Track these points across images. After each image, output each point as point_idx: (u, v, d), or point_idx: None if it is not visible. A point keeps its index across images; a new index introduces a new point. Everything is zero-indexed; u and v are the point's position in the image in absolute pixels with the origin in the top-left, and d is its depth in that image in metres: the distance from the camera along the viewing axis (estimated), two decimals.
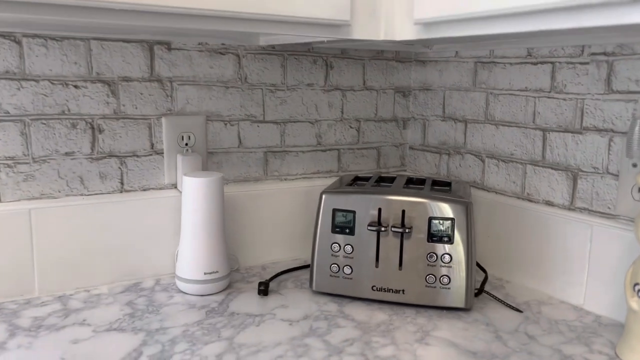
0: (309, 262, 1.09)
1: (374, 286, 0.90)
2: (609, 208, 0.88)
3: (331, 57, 1.14)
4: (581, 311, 0.90)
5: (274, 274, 1.03)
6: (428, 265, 0.87)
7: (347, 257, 0.91)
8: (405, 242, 0.88)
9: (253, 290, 0.96)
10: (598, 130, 0.89)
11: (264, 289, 0.93)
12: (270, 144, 1.10)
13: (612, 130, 0.87)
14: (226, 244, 0.96)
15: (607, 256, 0.87)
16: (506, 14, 0.66)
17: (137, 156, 0.97)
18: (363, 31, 0.81)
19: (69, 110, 0.90)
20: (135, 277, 0.98)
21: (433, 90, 1.21)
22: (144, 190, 0.98)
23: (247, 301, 0.91)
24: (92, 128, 0.93)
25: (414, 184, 1.01)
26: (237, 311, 0.87)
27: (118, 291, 0.93)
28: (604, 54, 0.86)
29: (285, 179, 1.13)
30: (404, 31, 0.81)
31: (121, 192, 0.96)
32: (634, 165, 0.82)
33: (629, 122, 0.84)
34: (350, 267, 0.91)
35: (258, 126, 1.08)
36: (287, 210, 1.12)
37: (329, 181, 1.17)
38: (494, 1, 0.65)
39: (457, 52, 1.14)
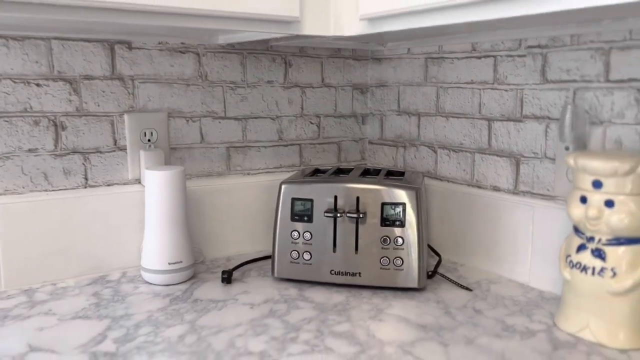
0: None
1: (332, 270, 0.94)
2: (548, 190, 0.94)
3: (290, 56, 1.19)
4: (526, 287, 0.96)
5: (237, 264, 1.07)
6: (382, 248, 0.92)
7: (306, 243, 0.95)
8: (360, 227, 0.93)
9: (217, 279, 0.99)
10: (536, 117, 0.95)
11: (227, 277, 0.97)
12: (233, 140, 1.14)
13: (548, 117, 0.93)
14: (189, 235, 0.99)
15: (549, 235, 0.93)
16: (440, 7, 0.71)
17: (101, 152, 1.00)
18: (313, 27, 0.86)
19: (31, 107, 0.93)
20: (102, 270, 1.00)
21: (388, 86, 1.26)
22: (108, 185, 1.01)
23: (211, 289, 0.94)
24: (55, 125, 0.95)
25: (370, 174, 1.05)
26: (200, 298, 0.90)
27: (84, 284, 0.96)
28: (539, 46, 0.93)
29: (248, 174, 1.17)
30: (351, 27, 0.86)
31: (85, 187, 0.99)
32: (567, 148, 0.88)
33: (562, 108, 0.90)
34: (310, 253, 0.95)
35: (220, 122, 1.12)
36: (250, 203, 1.15)
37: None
38: None
39: (409, 49, 1.20)
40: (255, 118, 1.17)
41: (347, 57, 1.27)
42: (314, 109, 1.24)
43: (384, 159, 1.30)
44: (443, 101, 1.13)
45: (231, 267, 1.06)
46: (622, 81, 0.82)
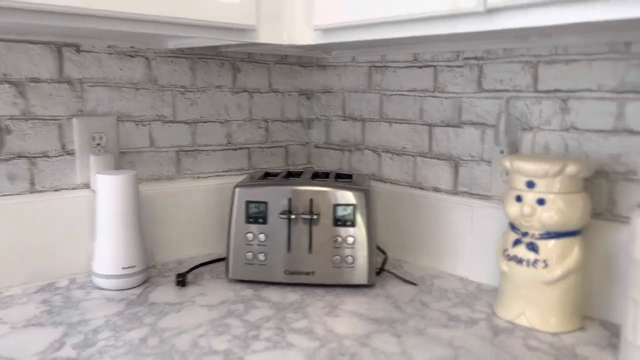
0: (224, 255, 1.15)
1: (287, 270, 0.98)
2: (484, 190, 1.02)
3: (238, 61, 1.21)
4: (466, 281, 1.04)
5: (190, 267, 1.08)
6: (334, 247, 0.97)
7: (261, 244, 0.98)
8: (313, 228, 0.97)
9: (170, 283, 1.00)
10: (473, 124, 1.03)
11: (182, 280, 0.98)
12: (182, 144, 1.15)
13: (484, 124, 1.01)
14: (143, 239, 0.99)
15: (486, 232, 1.01)
16: (389, 22, 0.77)
17: (48, 157, 0.98)
18: (267, 36, 0.89)
19: None
20: (49, 277, 0.98)
21: (334, 93, 1.31)
22: (56, 190, 0.99)
23: (166, 292, 0.95)
24: (0, 129, 0.92)
25: (320, 177, 1.10)
26: (156, 301, 0.90)
27: (32, 291, 0.93)
28: (475, 58, 1.01)
29: (197, 177, 1.18)
30: (304, 36, 0.90)
31: (32, 192, 0.96)
32: (502, 152, 0.96)
33: (497, 116, 0.99)
34: (265, 254, 0.98)
35: (169, 126, 1.12)
36: (200, 207, 1.16)
37: (241, 178, 1.23)
38: (379, 11, 0.76)
39: (353, 57, 1.25)
40: (205, 122, 1.18)
41: (293, 63, 1.31)
42: (262, 114, 1.27)
43: (329, 162, 1.35)
44: (386, 108, 1.19)
45: (184, 270, 1.07)
46: (548, 91, 0.91)
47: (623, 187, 0.84)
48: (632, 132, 0.82)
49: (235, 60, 1.20)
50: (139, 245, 0.97)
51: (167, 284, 0.99)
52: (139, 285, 0.97)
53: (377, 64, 1.20)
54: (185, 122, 1.15)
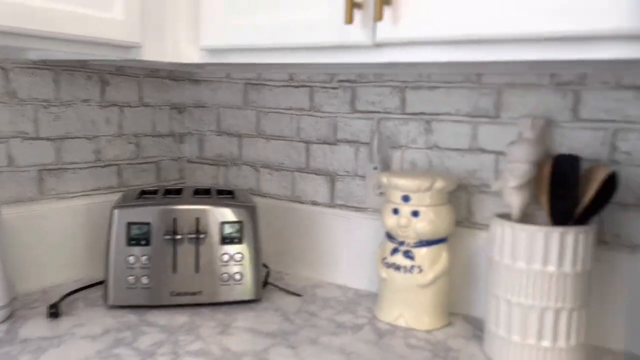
0: (95, 280, 1.08)
1: (173, 291, 0.95)
2: (359, 203, 1.11)
3: (107, 74, 1.15)
4: (345, 288, 1.11)
5: (59, 296, 1.00)
6: (222, 265, 0.97)
7: (144, 267, 0.94)
8: (200, 247, 0.96)
9: (40, 315, 0.91)
10: (348, 142, 1.11)
11: (55, 312, 0.90)
12: (45, 162, 1.05)
13: (358, 142, 1.09)
14: (4, 270, 0.89)
15: (361, 242, 1.09)
16: (279, 48, 0.80)
17: None
18: (153, 53, 0.87)
19: None
20: None
21: (208, 108, 1.31)
22: None
23: (38, 326, 0.87)
24: None
25: (201, 194, 1.08)
26: (29, 337, 0.83)
27: None
28: (348, 81, 1.09)
29: (63, 198, 1.09)
30: (190, 55, 0.90)
31: None
32: (375, 168, 1.05)
33: (370, 135, 1.07)
34: (148, 276, 0.94)
35: (31, 143, 1.03)
36: (67, 230, 1.08)
37: (111, 197, 1.16)
38: (270, 37, 0.79)
39: (228, 73, 1.26)
40: (71, 138, 1.10)
41: (164, 77, 1.28)
42: (132, 129, 1.22)
43: (203, 177, 1.33)
44: (264, 124, 1.22)
45: (52, 299, 0.98)
46: (414, 114, 1.02)
47: (478, 198, 0.97)
48: (483, 151, 0.96)
49: (103, 72, 1.14)
50: (1, 277, 0.87)
51: (37, 317, 0.90)
52: (3, 321, 0.88)
53: (253, 82, 1.22)
54: (49, 139, 1.06)
